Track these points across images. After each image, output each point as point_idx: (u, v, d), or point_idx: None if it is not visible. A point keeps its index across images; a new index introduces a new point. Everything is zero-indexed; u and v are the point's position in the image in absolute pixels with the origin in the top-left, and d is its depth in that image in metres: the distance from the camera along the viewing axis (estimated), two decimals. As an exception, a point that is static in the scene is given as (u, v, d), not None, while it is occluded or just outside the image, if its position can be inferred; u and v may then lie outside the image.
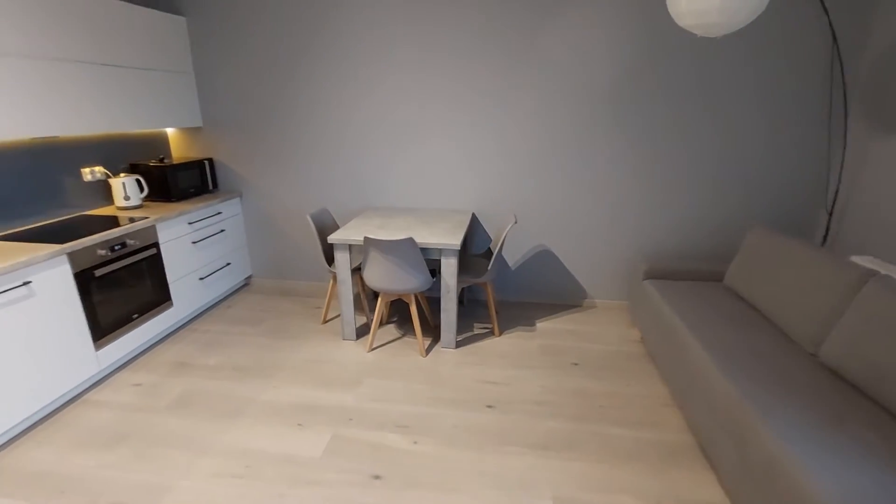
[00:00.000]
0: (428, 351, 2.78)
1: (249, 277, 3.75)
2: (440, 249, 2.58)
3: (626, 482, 1.82)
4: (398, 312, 3.28)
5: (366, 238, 2.49)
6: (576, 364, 2.65)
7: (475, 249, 3.39)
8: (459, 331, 3.03)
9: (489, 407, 2.27)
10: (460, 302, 3.46)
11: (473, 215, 3.29)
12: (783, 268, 2.29)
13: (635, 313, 2.91)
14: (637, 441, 2.04)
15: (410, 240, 2.44)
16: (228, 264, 3.42)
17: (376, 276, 2.60)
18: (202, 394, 2.35)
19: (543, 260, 3.32)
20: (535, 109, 2.98)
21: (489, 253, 3.23)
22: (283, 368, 2.58)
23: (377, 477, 1.84)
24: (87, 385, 2.38)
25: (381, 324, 3.11)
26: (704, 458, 1.94)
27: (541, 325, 3.12)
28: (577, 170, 3.07)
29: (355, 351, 2.77)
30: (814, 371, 1.86)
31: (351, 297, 2.81)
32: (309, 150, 3.31)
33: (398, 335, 2.96)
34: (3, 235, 2.29)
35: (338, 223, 3.41)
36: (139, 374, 2.52)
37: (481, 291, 3.49)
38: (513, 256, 3.35)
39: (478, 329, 3.06)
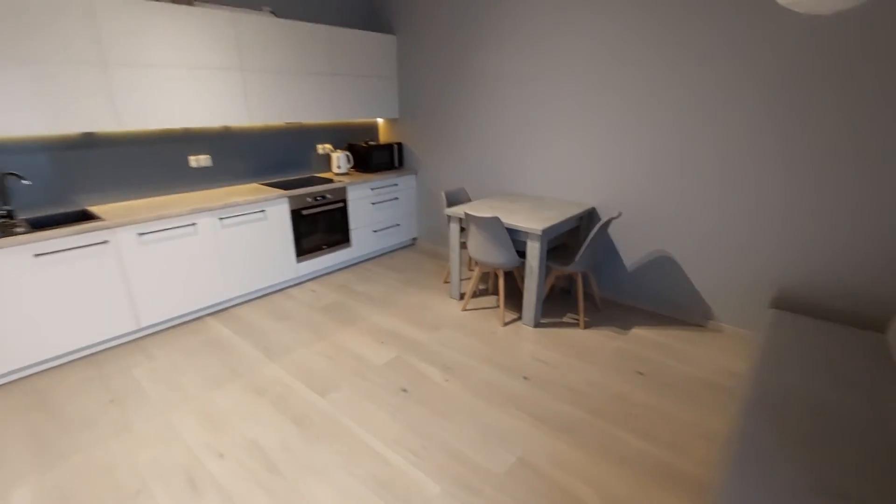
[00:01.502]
0: (509, 323, 3.07)
1: (415, 239, 4.70)
2: (527, 232, 2.82)
3: (597, 477, 1.82)
4: (507, 287, 3.62)
5: (466, 213, 2.96)
6: (641, 374, 2.49)
7: (593, 244, 3.38)
8: (550, 315, 3.17)
9: (525, 378, 2.47)
10: (567, 291, 3.53)
11: (594, 209, 3.29)
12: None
13: (753, 345, 2.46)
14: (642, 453, 1.93)
15: (496, 219, 2.78)
16: (398, 225, 4.42)
17: (473, 247, 3.05)
18: (342, 306, 3.33)
19: (666, 268, 3.06)
20: (676, 108, 2.77)
21: (609, 247, 3.20)
22: (396, 305, 3.34)
23: (404, 390, 2.37)
24: (287, 284, 3.69)
25: (487, 294, 3.52)
26: (703, 497, 1.72)
27: (637, 331, 2.95)
28: (721, 172, 2.71)
29: (452, 307, 3.30)
30: (881, 443, 1.41)
31: (458, 263, 3.34)
32: (468, 140, 3.93)
33: (495, 305, 3.33)
34: (264, 182, 3.76)
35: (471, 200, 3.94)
36: (316, 285, 3.72)
37: (598, 286, 3.45)
38: (632, 258, 3.20)
39: (569, 318, 3.13)
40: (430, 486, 1.79)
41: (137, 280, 2.77)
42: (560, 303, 3.39)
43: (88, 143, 2.88)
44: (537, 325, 3.03)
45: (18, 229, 2.43)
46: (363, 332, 2.97)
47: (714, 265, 2.85)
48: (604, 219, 2.83)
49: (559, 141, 3.35)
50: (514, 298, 3.45)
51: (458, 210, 3.14)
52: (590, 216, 3.32)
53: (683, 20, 2.62)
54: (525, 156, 3.59)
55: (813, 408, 1.60)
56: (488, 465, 1.88)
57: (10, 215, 2.57)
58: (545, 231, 2.75)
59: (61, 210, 2.84)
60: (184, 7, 2.87)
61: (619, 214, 2.85)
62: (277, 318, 3.17)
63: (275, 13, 3.58)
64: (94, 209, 2.88)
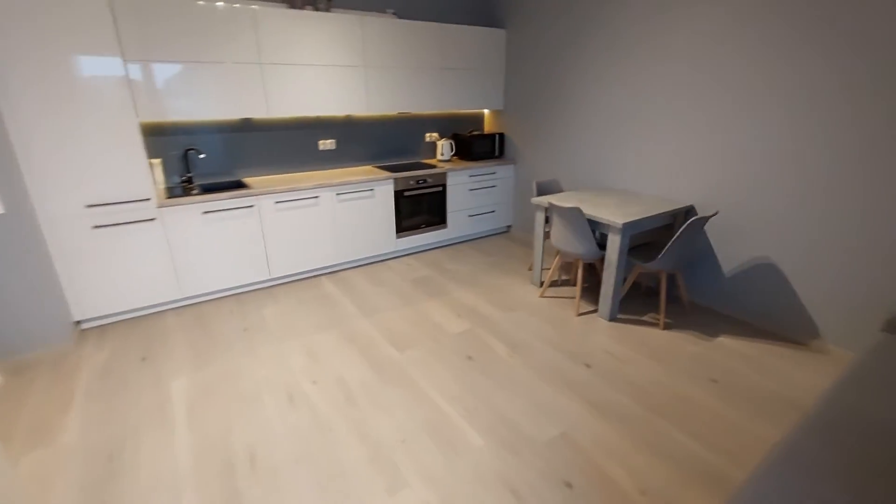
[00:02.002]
0: (585, 314, 3.10)
1: (509, 226, 4.86)
2: (608, 225, 2.82)
3: (637, 465, 1.86)
4: (591, 279, 3.61)
5: (549, 203, 3.06)
6: (715, 381, 2.38)
7: (688, 245, 3.20)
8: (629, 312, 3.12)
9: (587, 366, 2.53)
10: (655, 291, 3.39)
11: (691, 208, 3.11)
12: None
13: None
14: (693, 454, 1.90)
15: (577, 209, 2.83)
16: (493, 211, 4.63)
17: (555, 235, 3.13)
18: (430, 280, 3.68)
19: (768, 277, 2.80)
20: (789, 104, 2.51)
21: (705, 249, 3.04)
22: (479, 285, 3.58)
23: (469, 357, 2.61)
24: (387, 256, 4.16)
25: (569, 284, 3.56)
26: (749, 505, 1.66)
27: (722, 339, 2.76)
28: (837, 176, 2.40)
29: (531, 293, 3.42)
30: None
31: (541, 250, 3.45)
32: (566, 133, 3.96)
33: (574, 296, 3.37)
34: (377, 165, 4.25)
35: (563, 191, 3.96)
36: (412, 259, 4.12)
37: (687, 288, 3.27)
38: (730, 262, 2.98)
39: (649, 318, 3.05)
40: (476, 438, 2.01)
41: (272, 239, 3.42)
42: (644, 301, 3.30)
43: (246, 127, 3.60)
44: (613, 319, 3.02)
45: (194, 191, 3.20)
46: (444, 304, 3.27)
47: (824, 278, 2.54)
48: (700, 216, 2.69)
49: (659, 136, 3.22)
50: (594, 291, 3.44)
51: (543, 199, 3.24)
52: (686, 215, 3.15)
53: (804, 8, 2.35)
54: (622, 150, 3.51)
55: (881, 435, 1.45)
56: (532, 433, 2.04)
57: (189, 181, 3.37)
58: (626, 225, 2.73)
59: (224, 179, 3.61)
60: (322, 13, 3.40)
61: (715, 213, 2.69)
62: (375, 283, 3.63)
63: (397, 14, 4.01)
64: (246, 180, 3.61)
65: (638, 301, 3.31)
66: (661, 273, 2.91)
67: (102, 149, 2.72)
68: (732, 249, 2.96)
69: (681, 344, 2.74)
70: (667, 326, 2.94)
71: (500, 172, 4.53)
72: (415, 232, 4.16)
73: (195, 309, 3.22)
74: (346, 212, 3.71)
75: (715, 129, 2.90)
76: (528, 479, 1.79)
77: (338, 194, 3.62)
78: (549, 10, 3.86)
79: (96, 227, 2.81)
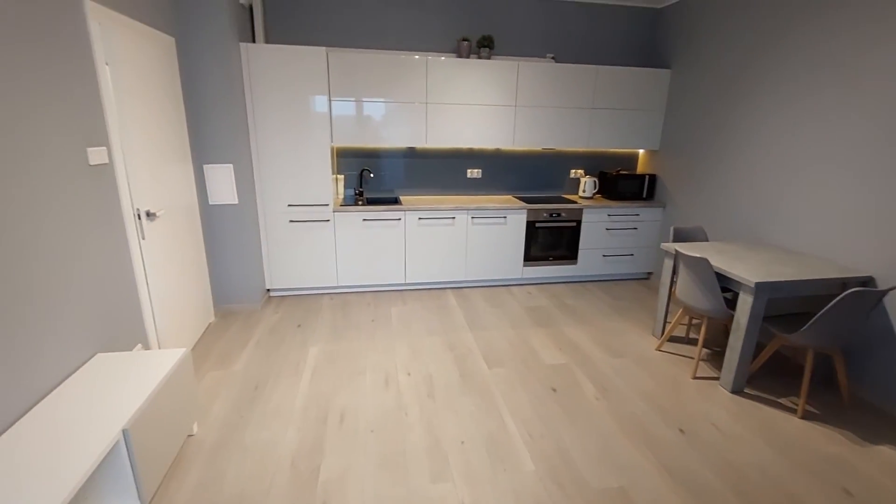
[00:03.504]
0: (703, 379, 2.76)
1: (649, 274, 4.52)
2: (739, 282, 2.50)
3: (695, 545, 1.66)
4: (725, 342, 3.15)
5: (677, 250, 2.85)
6: (848, 493, 1.89)
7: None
8: (763, 388, 2.65)
9: (680, 431, 2.29)
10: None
11: (870, 279, 2.50)
12: None
13: None
14: (773, 559, 1.59)
15: (704, 260, 2.60)
16: (631, 255, 4.39)
17: (680, 287, 2.89)
18: (545, 311, 3.73)
19: (984, 386, 2.08)
20: None
21: (884, 333, 2.44)
22: (593, 324, 3.48)
23: (554, 389, 2.62)
24: (510, 282, 4.34)
25: (697, 344, 3.18)
26: None
27: (882, 449, 2.14)
28: None
29: (647, 343, 3.18)
30: None
31: (666, 300, 3.19)
32: (725, 179, 3.58)
33: (701, 357, 3.01)
34: (517, 196, 4.51)
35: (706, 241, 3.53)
36: (534, 289, 4.22)
37: (849, 376, 2.60)
38: (924, 357, 2.30)
39: (788, 401, 2.54)
40: (528, 463, 2.06)
41: (411, 250, 3.98)
42: (788, 381, 2.75)
43: (409, 154, 4.30)
44: (736, 391, 2.62)
45: (360, 203, 3.97)
46: (549, 335, 3.30)
47: None
48: (860, 288, 2.19)
49: (838, 188, 2.70)
50: (721, 354, 3.00)
51: (671, 246, 3.03)
52: (863, 286, 2.55)
53: None
54: (788, 202, 3.02)
55: None
56: (587, 477, 1.98)
57: (360, 194, 4.18)
58: (761, 284, 2.39)
59: (385, 195, 4.36)
60: (484, 60, 3.88)
61: (893, 288, 2.15)
62: (492, 304, 3.86)
63: (555, 59, 4.26)
64: (402, 197, 4.29)
65: (780, 379, 2.78)
66: (809, 350, 2.43)
67: (306, 164, 3.64)
68: (927, 341, 2.29)
69: (819, 439, 2.24)
70: (807, 415, 2.42)
71: (644, 215, 4.31)
72: (543, 263, 4.26)
73: (343, 297, 3.96)
74: (479, 235, 4.06)
75: (914, 187, 2.33)
76: (563, 515, 1.78)
77: (472, 218, 4.00)
78: (720, 44, 3.59)
79: (291, 221, 3.75)
